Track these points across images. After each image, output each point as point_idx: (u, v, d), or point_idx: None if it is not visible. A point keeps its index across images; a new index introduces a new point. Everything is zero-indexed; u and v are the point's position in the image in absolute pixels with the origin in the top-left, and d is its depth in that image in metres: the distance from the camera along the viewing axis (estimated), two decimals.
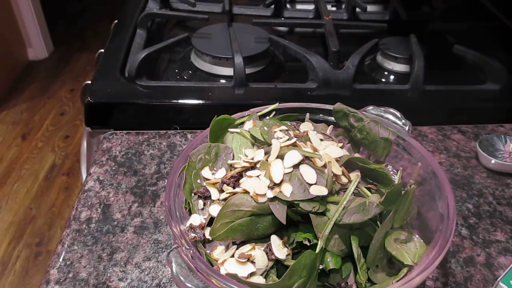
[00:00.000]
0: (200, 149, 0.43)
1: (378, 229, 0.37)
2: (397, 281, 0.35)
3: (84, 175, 0.78)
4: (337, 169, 0.39)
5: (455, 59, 0.83)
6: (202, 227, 0.39)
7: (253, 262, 0.36)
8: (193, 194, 0.41)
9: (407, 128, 0.49)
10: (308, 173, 0.37)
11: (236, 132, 0.45)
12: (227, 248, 0.38)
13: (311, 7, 0.97)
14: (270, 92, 0.71)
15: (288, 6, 0.99)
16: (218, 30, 0.84)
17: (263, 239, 0.38)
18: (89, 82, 0.72)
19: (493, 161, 0.60)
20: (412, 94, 0.71)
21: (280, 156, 0.39)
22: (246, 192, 0.38)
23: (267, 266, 0.36)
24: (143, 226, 0.52)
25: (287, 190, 0.37)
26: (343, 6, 0.98)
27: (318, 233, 0.36)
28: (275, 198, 0.37)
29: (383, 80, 0.79)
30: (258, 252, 0.36)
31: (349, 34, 0.90)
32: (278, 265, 0.37)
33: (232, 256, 0.37)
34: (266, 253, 0.37)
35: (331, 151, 0.41)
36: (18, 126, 2.05)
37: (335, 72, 0.71)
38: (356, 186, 0.39)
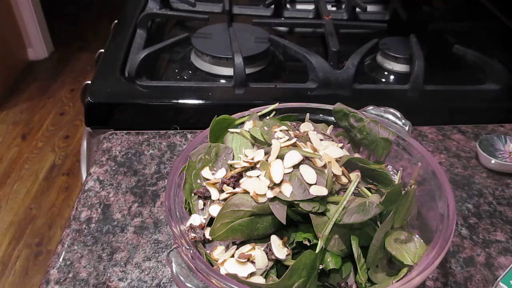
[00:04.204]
0: (200, 149, 0.43)
1: (378, 229, 0.37)
2: (397, 281, 0.35)
3: (84, 175, 0.78)
4: (337, 169, 0.39)
5: (455, 59, 0.83)
6: (202, 227, 0.39)
7: (253, 262, 0.36)
8: (193, 194, 0.41)
9: (407, 128, 0.49)
10: (308, 173, 0.37)
11: (236, 132, 0.45)
12: (227, 248, 0.38)
13: (311, 7, 0.97)
14: (270, 92, 0.71)
15: (288, 6, 0.99)
16: (218, 30, 0.84)
17: (263, 239, 0.38)
18: (89, 82, 0.72)
19: (493, 161, 0.60)
20: (412, 94, 0.71)
21: (280, 156, 0.39)
22: (246, 192, 0.38)
23: (267, 266, 0.36)
24: (143, 226, 0.52)
25: (287, 190, 0.37)
26: (343, 6, 0.98)
27: (318, 233, 0.36)
28: (275, 198, 0.37)
29: (383, 80, 0.79)
30: (258, 252, 0.36)
31: (349, 34, 0.90)
32: (278, 265, 0.37)
33: (232, 256, 0.37)
34: (266, 253, 0.37)
35: (331, 151, 0.41)
36: (18, 126, 2.05)
37: (335, 72, 0.71)
38: (356, 186, 0.39)
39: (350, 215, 0.36)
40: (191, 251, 0.36)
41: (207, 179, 0.42)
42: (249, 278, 0.36)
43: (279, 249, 0.37)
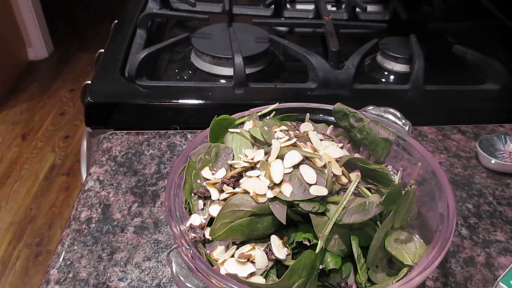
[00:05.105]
0: (200, 149, 0.43)
1: (378, 229, 0.37)
2: (397, 281, 0.35)
3: (84, 175, 0.78)
4: (337, 169, 0.39)
5: (455, 59, 0.83)
6: (202, 227, 0.39)
7: (253, 262, 0.36)
8: (193, 194, 0.41)
9: (407, 128, 0.49)
10: (308, 173, 0.37)
11: (236, 132, 0.45)
12: (227, 248, 0.38)
13: (311, 7, 0.97)
14: (270, 92, 0.71)
15: (288, 6, 0.99)
16: (218, 30, 0.84)
17: (263, 239, 0.38)
18: (89, 82, 0.72)
19: (493, 161, 0.60)
20: (412, 94, 0.71)
21: (280, 156, 0.39)
22: (246, 192, 0.38)
23: (267, 266, 0.36)
24: (143, 226, 0.52)
25: (287, 190, 0.37)
26: (343, 6, 0.98)
27: (318, 233, 0.36)
28: (275, 198, 0.37)
29: (383, 80, 0.79)
30: (258, 252, 0.36)
31: (349, 34, 0.90)
32: (278, 265, 0.37)
33: (232, 256, 0.37)
34: (266, 253, 0.37)
35: (331, 151, 0.41)
36: (18, 126, 2.05)
37: (335, 72, 0.71)
38: (356, 186, 0.39)
39: (350, 215, 0.36)
40: (191, 251, 0.36)
41: (207, 179, 0.42)
42: (249, 278, 0.36)
43: (279, 249, 0.37)
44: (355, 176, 0.40)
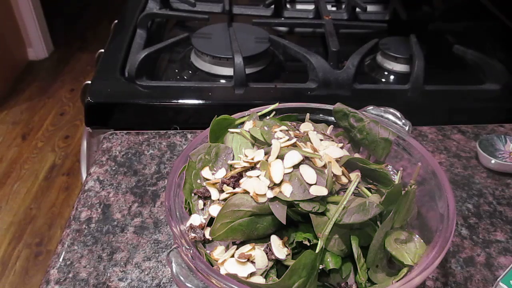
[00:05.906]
0: (200, 149, 0.43)
1: (378, 229, 0.37)
2: (397, 281, 0.35)
3: (84, 175, 0.78)
4: (337, 169, 0.39)
5: (455, 59, 0.83)
6: (202, 227, 0.39)
7: (253, 262, 0.36)
8: (193, 194, 0.41)
9: (407, 128, 0.49)
10: (308, 173, 0.37)
11: (236, 132, 0.45)
12: (227, 248, 0.38)
13: (311, 7, 0.97)
14: (270, 92, 0.71)
15: (288, 6, 0.99)
16: (218, 30, 0.84)
17: (263, 239, 0.38)
18: (89, 82, 0.72)
19: (493, 161, 0.60)
20: (412, 94, 0.71)
21: (280, 156, 0.39)
22: (246, 192, 0.38)
23: (267, 266, 0.36)
24: (143, 226, 0.52)
25: (287, 190, 0.37)
26: (343, 6, 0.98)
27: (318, 233, 0.36)
28: (275, 198, 0.37)
29: (383, 80, 0.79)
30: (258, 252, 0.36)
31: (349, 34, 0.90)
32: (278, 265, 0.37)
33: (232, 256, 0.37)
34: (266, 253, 0.37)
35: (331, 151, 0.41)
36: (18, 126, 2.05)
37: (335, 72, 0.71)
38: (356, 186, 0.39)
39: (350, 215, 0.36)
40: (191, 251, 0.36)
41: (207, 179, 0.42)
42: (249, 278, 0.36)
43: (279, 249, 0.37)
44: (355, 176, 0.40)
